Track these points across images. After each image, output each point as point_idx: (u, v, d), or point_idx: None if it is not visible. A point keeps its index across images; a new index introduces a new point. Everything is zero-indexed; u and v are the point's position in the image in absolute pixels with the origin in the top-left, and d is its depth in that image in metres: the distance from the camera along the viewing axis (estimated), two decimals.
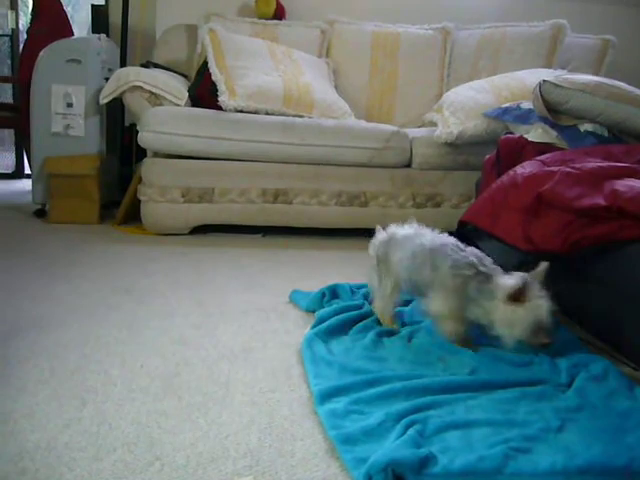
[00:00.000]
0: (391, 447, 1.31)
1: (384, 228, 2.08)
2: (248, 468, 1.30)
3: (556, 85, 2.59)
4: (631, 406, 1.55)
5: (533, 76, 3.34)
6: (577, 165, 2.09)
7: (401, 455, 1.26)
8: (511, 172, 2.20)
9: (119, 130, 4.19)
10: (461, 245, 1.91)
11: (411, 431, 1.38)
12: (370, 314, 2.13)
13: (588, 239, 1.92)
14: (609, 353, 1.95)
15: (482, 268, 1.82)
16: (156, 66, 3.88)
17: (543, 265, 1.81)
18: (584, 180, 2.02)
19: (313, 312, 2.18)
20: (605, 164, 2.11)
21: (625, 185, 1.96)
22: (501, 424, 1.47)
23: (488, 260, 1.86)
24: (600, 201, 1.92)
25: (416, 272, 1.91)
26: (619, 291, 1.88)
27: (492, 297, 1.78)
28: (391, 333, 2.01)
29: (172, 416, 1.49)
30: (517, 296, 1.75)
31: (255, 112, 3.44)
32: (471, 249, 1.89)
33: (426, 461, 1.28)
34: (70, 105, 3.64)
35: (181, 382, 1.67)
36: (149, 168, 3.37)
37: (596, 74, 3.76)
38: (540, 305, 1.75)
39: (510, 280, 1.77)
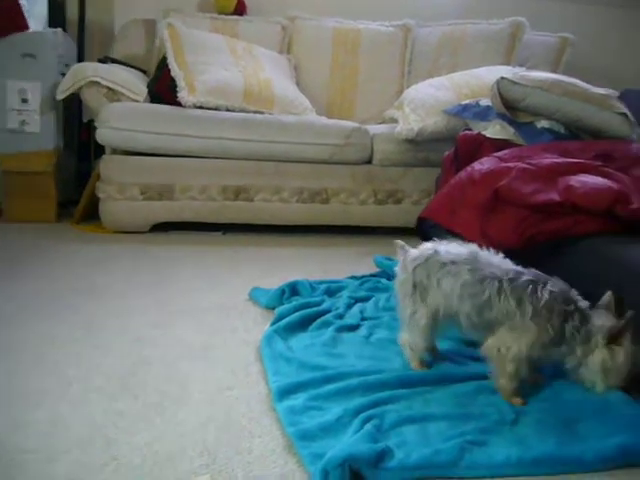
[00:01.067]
0: (348, 442, 1.31)
1: (403, 246, 1.79)
2: (205, 466, 1.29)
3: (514, 82, 2.62)
4: (584, 397, 1.57)
5: (492, 73, 3.36)
6: (533, 161, 2.12)
7: (358, 450, 1.27)
8: (469, 168, 2.22)
9: (77, 126, 4.13)
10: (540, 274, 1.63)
11: (368, 426, 1.39)
12: (329, 310, 2.13)
13: (543, 234, 1.95)
14: None
15: (580, 303, 1.59)
16: (114, 61, 3.82)
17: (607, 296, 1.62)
18: (540, 176, 2.05)
19: (273, 309, 2.18)
20: (560, 160, 2.14)
21: (579, 181, 1.99)
22: (458, 418, 1.49)
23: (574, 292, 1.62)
24: (555, 197, 1.95)
25: (481, 305, 1.59)
26: (572, 285, 1.91)
27: (589, 338, 1.56)
28: (351, 329, 2.01)
29: (128, 416, 1.48)
30: (618, 337, 1.54)
31: (215, 108, 3.42)
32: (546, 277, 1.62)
33: (383, 455, 1.29)
34: (25, 101, 3.56)
35: (138, 381, 1.65)
36: (107, 165, 3.33)
37: (554, 72, 3.80)
38: (636, 348, 1.55)
39: (608, 318, 1.58)
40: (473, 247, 1.70)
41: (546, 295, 1.55)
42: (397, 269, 1.78)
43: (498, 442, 1.40)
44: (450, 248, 1.70)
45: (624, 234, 1.91)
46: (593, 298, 1.81)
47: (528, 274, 1.61)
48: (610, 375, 1.56)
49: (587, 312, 1.58)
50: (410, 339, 1.72)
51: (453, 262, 1.65)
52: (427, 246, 1.74)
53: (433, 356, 1.78)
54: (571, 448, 1.37)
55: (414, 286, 1.69)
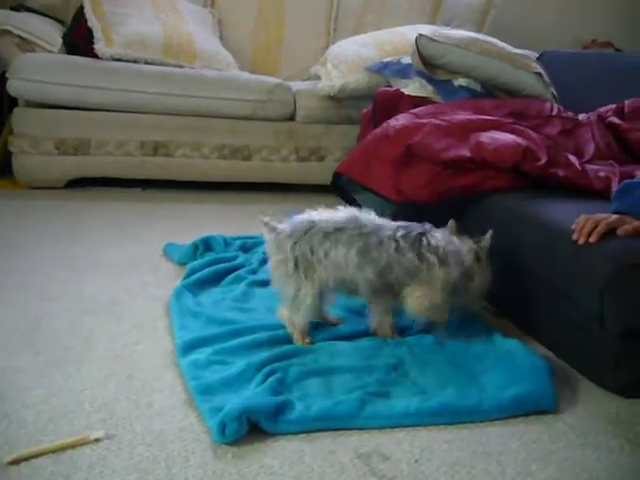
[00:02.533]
0: (247, 395, 1.31)
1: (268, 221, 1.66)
2: (102, 422, 1.27)
3: (432, 40, 2.61)
4: (487, 349, 1.61)
5: (415, 31, 3.35)
6: (446, 117, 2.13)
7: (256, 403, 1.27)
8: (384, 124, 2.22)
9: None
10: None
11: (271, 379, 1.39)
12: (243, 265, 2.12)
13: (454, 189, 1.97)
14: None
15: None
16: (28, 10, 3.65)
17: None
18: (452, 132, 2.06)
19: (186, 265, 2.14)
20: (473, 117, 2.16)
21: (490, 137, 2.01)
22: (362, 370, 1.50)
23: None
24: (465, 152, 1.97)
25: (383, 268, 1.57)
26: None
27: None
28: (263, 284, 2.00)
29: (27, 372, 1.44)
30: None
31: (134, 61, 3.31)
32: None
33: (282, 408, 1.30)
34: None
35: (41, 337, 1.61)
36: (20, 118, 3.20)
37: (478, 33, 3.82)
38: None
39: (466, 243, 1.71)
40: (349, 210, 1.63)
41: (441, 243, 1.60)
42: (268, 249, 1.64)
43: (400, 393, 1.42)
44: (326, 215, 1.61)
45: (532, 189, 1.95)
46: (500, 253, 1.85)
47: (413, 227, 1.62)
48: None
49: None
50: (294, 318, 1.62)
51: (338, 229, 1.57)
52: (299, 219, 1.62)
53: (325, 321, 1.74)
54: (469, 398, 1.40)
55: (295, 264, 1.57)
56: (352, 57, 3.37)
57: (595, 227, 1.49)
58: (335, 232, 1.57)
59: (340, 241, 1.56)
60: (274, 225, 1.63)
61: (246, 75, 3.53)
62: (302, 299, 1.58)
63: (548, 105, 2.43)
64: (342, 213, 1.62)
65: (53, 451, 1.16)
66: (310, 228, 1.58)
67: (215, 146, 3.33)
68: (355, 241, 1.56)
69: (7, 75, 3.21)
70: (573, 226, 1.53)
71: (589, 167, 2.03)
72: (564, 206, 1.77)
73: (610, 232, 1.49)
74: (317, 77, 3.60)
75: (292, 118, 3.45)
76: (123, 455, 1.17)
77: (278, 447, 1.23)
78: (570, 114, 2.41)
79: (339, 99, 3.40)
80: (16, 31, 3.26)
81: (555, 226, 1.64)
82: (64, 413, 1.29)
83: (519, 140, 1.99)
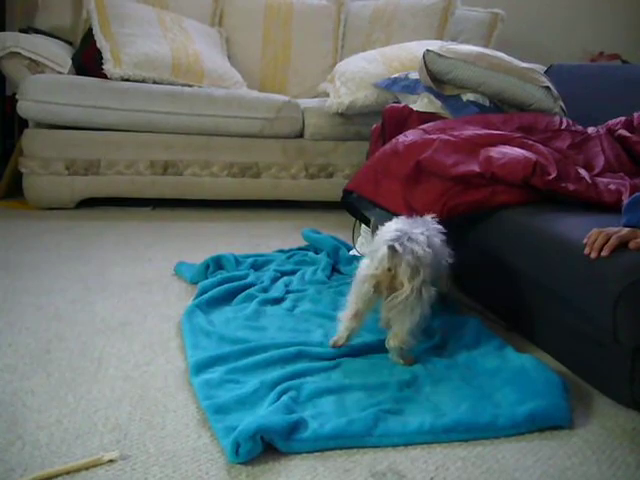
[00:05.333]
0: (261, 414, 1.31)
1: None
2: (115, 442, 1.27)
3: (439, 55, 2.62)
4: (500, 365, 1.60)
5: (422, 47, 3.35)
6: (455, 133, 2.13)
7: (270, 421, 1.26)
8: (393, 140, 2.22)
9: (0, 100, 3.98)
10: None
11: (285, 398, 1.39)
12: (254, 284, 2.11)
13: (463, 205, 1.96)
14: (484, 314, 2.01)
15: None
16: (37, 32, 3.69)
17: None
18: (461, 147, 2.06)
19: (197, 284, 2.14)
20: (482, 132, 2.16)
21: (499, 152, 2.01)
22: (375, 388, 1.50)
23: None
24: (475, 168, 1.97)
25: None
26: (492, 255, 1.94)
27: None
28: (274, 302, 2.00)
29: (39, 394, 1.44)
30: None
31: (142, 81, 3.33)
32: None
33: (296, 426, 1.29)
34: None
35: (52, 359, 1.61)
36: (30, 139, 3.22)
37: (486, 47, 3.83)
38: None
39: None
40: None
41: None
42: (403, 274, 1.55)
43: (413, 410, 1.41)
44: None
45: (542, 204, 1.94)
46: (511, 268, 1.84)
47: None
48: None
49: None
50: (411, 342, 1.60)
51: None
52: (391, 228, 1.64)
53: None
54: (483, 415, 1.39)
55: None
56: (360, 74, 3.38)
57: (607, 241, 1.48)
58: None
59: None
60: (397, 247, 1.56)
61: (254, 93, 3.54)
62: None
63: (557, 119, 2.43)
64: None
65: (67, 472, 1.16)
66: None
67: (224, 164, 3.34)
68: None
69: (17, 97, 3.24)
70: (585, 240, 1.52)
71: (599, 180, 2.02)
72: (575, 220, 1.76)
73: (622, 246, 1.48)
74: (325, 94, 3.62)
75: (301, 135, 3.47)
76: (137, 476, 1.17)
77: (292, 466, 1.23)
78: (579, 127, 2.40)
79: (347, 116, 3.41)
80: (26, 53, 3.29)
81: (566, 240, 1.63)
82: (77, 434, 1.29)
83: (528, 154, 1.98)
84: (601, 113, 2.56)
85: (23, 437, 1.27)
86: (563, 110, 2.60)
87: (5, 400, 1.40)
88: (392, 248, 1.53)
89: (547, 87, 2.58)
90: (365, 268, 1.61)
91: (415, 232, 1.61)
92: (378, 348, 1.68)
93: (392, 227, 1.64)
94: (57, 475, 1.15)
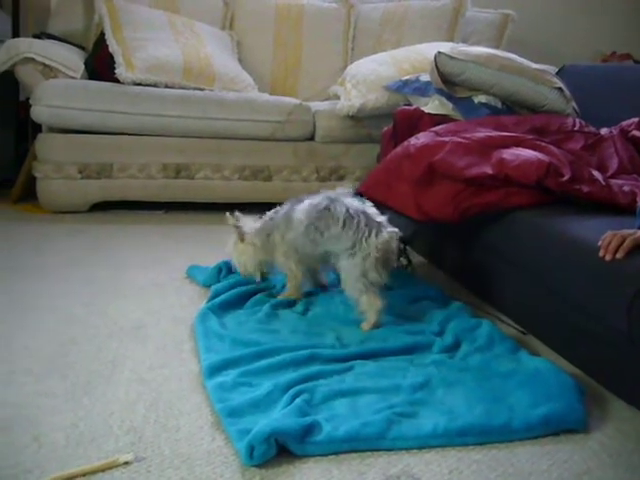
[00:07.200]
0: (275, 417, 1.31)
1: None
2: (130, 445, 1.28)
3: (451, 57, 2.62)
4: (514, 368, 1.60)
5: (433, 49, 3.35)
6: (467, 135, 2.13)
7: (284, 424, 1.26)
8: (405, 143, 2.22)
9: (14, 105, 4.00)
10: None
11: (298, 400, 1.39)
12: (267, 287, 2.12)
13: (476, 207, 1.96)
14: (498, 317, 2.00)
15: None
16: (50, 37, 3.71)
17: None
18: (474, 150, 2.06)
19: (210, 287, 2.15)
20: (494, 134, 2.16)
21: (512, 154, 2.00)
22: (388, 390, 1.50)
23: None
24: (487, 170, 1.96)
25: None
26: (506, 257, 1.93)
27: None
28: (287, 305, 2.00)
29: (54, 396, 1.45)
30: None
31: (154, 85, 3.35)
32: None
33: (310, 429, 1.29)
34: None
35: (67, 362, 1.62)
36: (43, 143, 3.24)
37: (497, 48, 3.82)
38: None
39: None
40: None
41: None
42: None
43: (427, 413, 1.41)
44: None
45: (555, 205, 1.93)
46: (524, 269, 1.84)
47: None
48: None
49: None
50: None
51: None
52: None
53: None
54: (498, 417, 1.38)
55: None
56: (371, 76, 3.38)
57: (621, 243, 1.48)
58: None
59: None
60: None
61: (265, 96, 3.55)
62: None
63: (570, 120, 2.42)
64: None
65: (84, 474, 1.16)
66: None
67: (236, 167, 3.35)
68: None
69: (31, 102, 3.26)
70: (599, 243, 1.52)
71: (613, 182, 2.01)
72: (589, 222, 1.75)
73: (637, 248, 1.47)
74: (336, 97, 3.61)
75: (312, 138, 3.47)
76: (152, 478, 1.17)
77: (306, 469, 1.23)
78: (592, 129, 2.40)
79: (358, 118, 3.41)
80: (39, 58, 3.30)
81: (581, 242, 1.63)
82: (93, 437, 1.30)
83: (542, 156, 1.97)
84: (614, 114, 2.55)
85: (39, 439, 1.27)
86: (576, 111, 2.60)
87: (21, 402, 1.41)
88: None
89: (559, 88, 2.58)
90: None
91: None
92: (390, 352, 1.69)
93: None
94: (74, 477, 1.15)
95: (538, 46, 4.39)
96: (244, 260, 2.11)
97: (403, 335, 1.78)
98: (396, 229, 1.84)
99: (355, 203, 1.89)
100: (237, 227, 2.12)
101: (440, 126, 2.32)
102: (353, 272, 1.82)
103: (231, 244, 2.14)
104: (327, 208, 1.89)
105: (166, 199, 3.37)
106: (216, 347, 1.67)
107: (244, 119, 3.32)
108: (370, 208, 1.89)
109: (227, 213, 2.15)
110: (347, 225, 1.82)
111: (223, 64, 3.62)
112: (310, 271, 2.10)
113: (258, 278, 2.13)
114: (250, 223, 2.15)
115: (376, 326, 1.82)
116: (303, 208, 1.97)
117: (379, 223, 1.83)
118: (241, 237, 2.11)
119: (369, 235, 1.80)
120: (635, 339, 1.42)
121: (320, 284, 2.15)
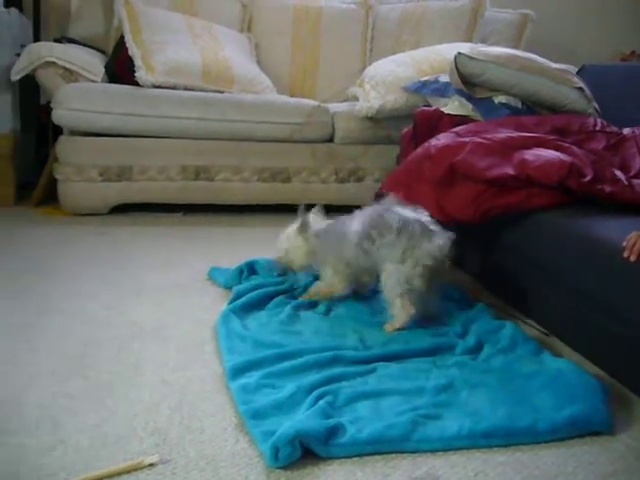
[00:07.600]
0: (299, 419, 1.31)
1: None
2: (155, 446, 1.28)
3: (470, 57, 2.61)
4: (537, 370, 1.59)
5: (452, 49, 3.34)
6: (488, 136, 2.12)
7: (308, 426, 1.26)
8: (426, 144, 2.21)
9: (35, 108, 4.04)
10: None
11: (321, 402, 1.38)
12: (289, 289, 2.12)
13: (498, 208, 1.95)
14: (520, 319, 1.99)
15: None
16: (71, 41, 3.73)
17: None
18: (495, 150, 2.05)
19: (231, 289, 2.15)
20: (515, 134, 2.14)
21: (533, 154, 1.99)
22: (412, 392, 1.49)
23: None
24: (509, 170, 1.95)
25: None
26: (528, 258, 1.92)
27: None
28: (309, 307, 2.00)
29: (77, 397, 1.46)
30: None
31: (173, 88, 3.36)
32: None
33: (334, 431, 1.29)
34: None
35: (89, 363, 1.63)
36: (64, 146, 3.26)
37: (516, 48, 3.80)
38: None
39: None
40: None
41: None
42: None
43: (451, 415, 1.40)
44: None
45: (578, 206, 1.92)
46: (548, 271, 1.82)
47: None
48: None
49: None
50: None
51: None
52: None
53: None
54: (522, 419, 1.38)
55: None
56: (389, 77, 3.38)
57: None
58: None
59: None
60: None
61: (284, 98, 3.56)
62: None
63: (591, 120, 2.41)
64: None
65: (109, 476, 1.17)
66: None
67: (255, 169, 3.36)
68: None
69: (52, 105, 3.28)
70: (624, 243, 1.51)
71: (636, 182, 1.99)
72: (612, 222, 1.74)
73: None
74: (355, 98, 3.61)
75: (331, 140, 3.47)
76: None
77: (331, 471, 1.23)
78: (614, 128, 2.38)
79: (377, 119, 3.40)
80: (60, 62, 3.33)
81: (604, 243, 1.61)
82: (117, 438, 1.30)
83: (563, 157, 1.96)
84: (636, 114, 2.52)
85: (65, 441, 1.28)
86: (597, 111, 2.58)
87: (45, 403, 1.42)
88: None
89: (580, 88, 2.56)
90: None
91: None
92: (412, 353, 1.69)
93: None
94: (100, 479, 1.16)
95: (557, 46, 4.36)
96: (293, 253, 2.08)
97: (426, 337, 1.78)
98: (451, 236, 1.82)
99: (409, 212, 1.86)
100: (304, 220, 2.07)
101: (460, 127, 2.31)
102: (398, 276, 1.80)
103: (290, 231, 2.11)
104: (381, 216, 1.87)
105: (185, 201, 3.38)
106: (239, 348, 1.67)
107: (263, 121, 3.33)
108: (425, 217, 1.85)
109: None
110: (402, 233, 1.80)
111: (242, 66, 3.63)
112: (353, 286, 2.07)
113: (281, 271, 2.13)
114: (319, 221, 2.11)
115: (400, 329, 1.81)
116: (357, 220, 1.95)
117: (433, 231, 1.81)
118: (303, 229, 2.06)
119: (423, 242, 1.78)
120: None
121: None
